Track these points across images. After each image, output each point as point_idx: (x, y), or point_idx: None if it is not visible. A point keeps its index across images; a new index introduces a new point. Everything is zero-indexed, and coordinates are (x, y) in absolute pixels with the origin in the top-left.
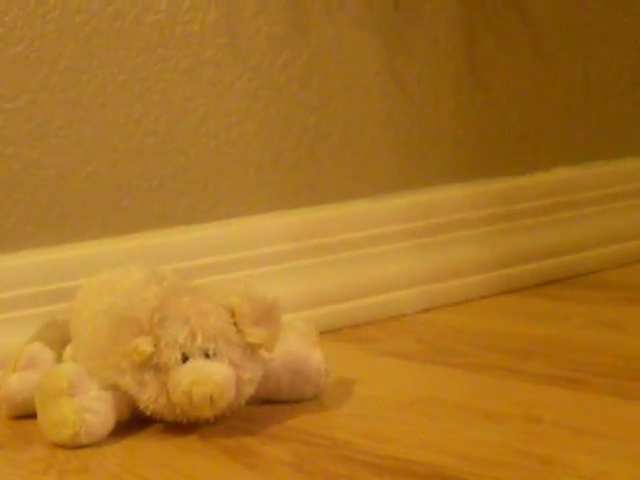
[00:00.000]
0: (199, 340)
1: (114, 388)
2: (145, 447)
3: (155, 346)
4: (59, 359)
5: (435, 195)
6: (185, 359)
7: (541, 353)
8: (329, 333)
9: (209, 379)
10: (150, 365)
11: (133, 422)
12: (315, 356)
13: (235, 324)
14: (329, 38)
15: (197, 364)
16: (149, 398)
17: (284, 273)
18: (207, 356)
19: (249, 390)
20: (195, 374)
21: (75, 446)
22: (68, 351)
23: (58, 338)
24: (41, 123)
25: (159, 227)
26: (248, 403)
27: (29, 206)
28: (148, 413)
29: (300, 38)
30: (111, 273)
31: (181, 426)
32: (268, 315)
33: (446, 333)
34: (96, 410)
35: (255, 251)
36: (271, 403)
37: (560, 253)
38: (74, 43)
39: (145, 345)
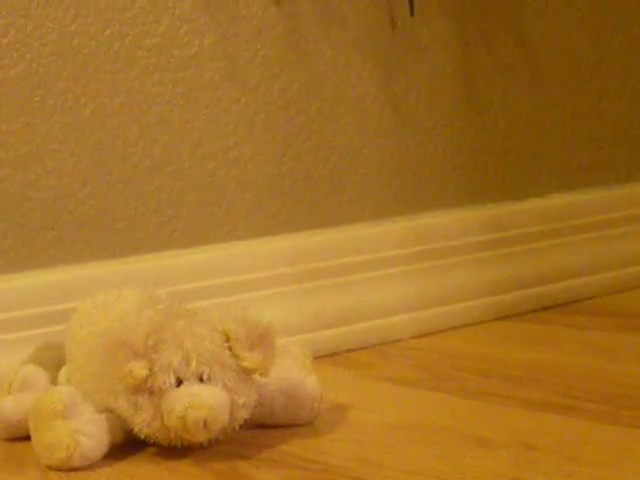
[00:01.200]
0: (193, 364)
1: (108, 411)
2: (138, 471)
3: (149, 370)
4: (54, 381)
5: (431, 220)
6: (179, 383)
7: (535, 379)
8: (325, 358)
9: (203, 403)
10: (144, 389)
11: (127, 445)
12: (310, 381)
13: (230, 348)
14: (327, 62)
15: (191, 388)
16: (143, 422)
17: (280, 297)
18: (201, 380)
19: (243, 414)
20: (189, 398)
21: (69, 469)
22: (63, 373)
23: (53, 360)
24: (37, 145)
25: (155, 250)
26: (242, 427)
27: (24, 228)
28: (142, 436)
29: (298, 62)
30: (106, 296)
31: (175, 450)
32: (263, 340)
33: (441, 359)
34: (90, 433)
35: (251, 275)
36: (265, 428)
37: (555, 279)
38: (71, 65)
39: (139, 369)
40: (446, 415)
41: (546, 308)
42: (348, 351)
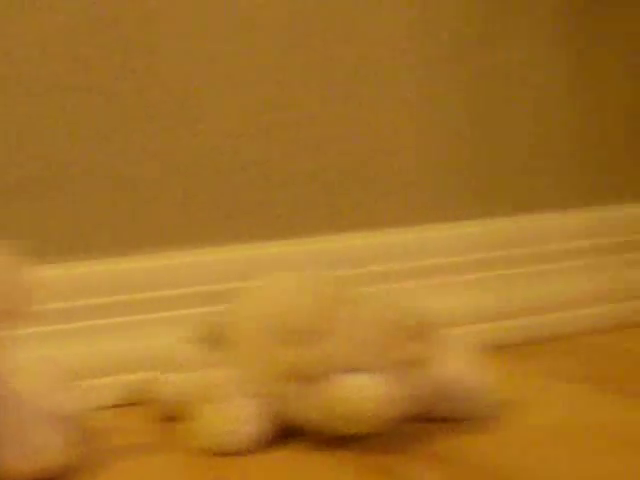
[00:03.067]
0: (356, 353)
1: (266, 397)
2: (294, 460)
3: (313, 357)
4: (216, 362)
5: (614, 213)
6: (341, 372)
7: None
8: (495, 350)
9: (364, 395)
10: (303, 376)
11: (283, 433)
12: (473, 375)
13: (392, 338)
14: (513, 47)
15: (352, 379)
16: (301, 410)
17: (452, 286)
18: (363, 370)
19: (403, 407)
20: (348, 389)
21: (222, 454)
22: (226, 355)
23: (216, 340)
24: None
25: (328, 232)
26: (401, 421)
27: (196, 205)
28: (300, 425)
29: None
30: (274, 278)
31: (333, 441)
32: (426, 331)
33: (616, 358)
34: (245, 419)
35: (426, 261)
36: (424, 421)
37: None
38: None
39: (300, 356)
40: (619, 422)
41: None
42: (518, 345)
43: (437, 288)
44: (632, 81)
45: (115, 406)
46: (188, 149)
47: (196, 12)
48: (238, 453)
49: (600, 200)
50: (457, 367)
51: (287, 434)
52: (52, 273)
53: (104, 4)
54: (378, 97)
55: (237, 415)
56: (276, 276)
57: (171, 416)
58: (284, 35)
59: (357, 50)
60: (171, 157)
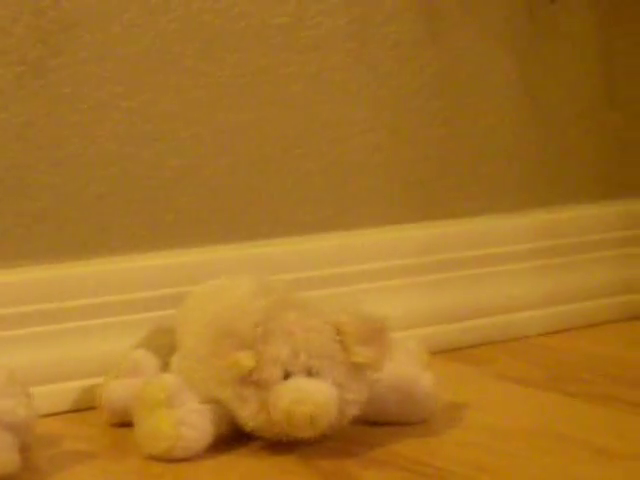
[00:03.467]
0: (302, 357)
1: (214, 402)
2: (241, 465)
3: (257, 361)
4: (165, 367)
5: (566, 214)
6: (287, 376)
7: None
8: (446, 353)
9: (310, 398)
10: (251, 380)
11: (232, 438)
12: (425, 378)
13: (341, 342)
14: (462, 48)
15: (299, 382)
16: (249, 414)
17: (404, 288)
18: (310, 374)
19: (353, 411)
20: (296, 392)
21: (170, 460)
22: (175, 360)
23: (165, 345)
24: (159, 124)
25: (277, 235)
26: (352, 424)
27: (145, 208)
28: (247, 430)
29: (432, 46)
30: (221, 282)
31: (281, 445)
32: (376, 334)
33: (569, 359)
34: (194, 424)
35: (376, 264)
36: (376, 425)
37: None
38: (196, 43)
39: (246, 360)
40: (568, 420)
41: None
42: (471, 347)
43: (388, 291)
44: (583, 82)
45: (66, 412)
46: (136, 152)
47: None
48: (187, 458)
49: (549, 202)
50: (408, 370)
51: (236, 439)
52: (1, 279)
53: None
54: (325, 100)
55: (186, 420)
56: (224, 280)
57: (122, 422)
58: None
59: (303, 57)
60: (119, 162)
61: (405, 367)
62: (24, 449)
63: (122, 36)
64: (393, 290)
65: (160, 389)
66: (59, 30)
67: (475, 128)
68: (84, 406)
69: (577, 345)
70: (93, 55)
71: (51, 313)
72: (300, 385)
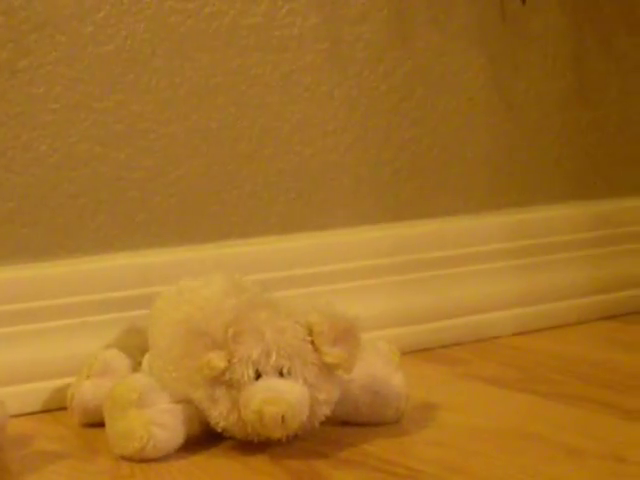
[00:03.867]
0: (273, 358)
1: (186, 402)
2: (213, 465)
3: (228, 361)
4: (137, 367)
5: (536, 215)
6: (258, 376)
7: (636, 386)
8: (418, 353)
9: (281, 398)
10: (222, 381)
11: (203, 438)
12: (396, 378)
13: (312, 343)
14: (433, 49)
15: (270, 382)
16: (220, 414)
17: (376, 288)
18: (281, 374)
19: (324, 411)
20: (267, 393)
21: (141, 460)
22: (147, 359)
23: (137, 345)
24: (130, 124)
25: (249, 236)
26: (324, 424)
27: (114, 209)
28: (219, 430)
29: (403, 47)
30: (192, 282)
31: (251, 445)
32: (347, 334)
33: (540, 359)
34: (165, 424)
35: (347, 265)
36: (348, 426)
37: None
38: (167, 43)
39: (217, 360)
40: (538, 420)
41: None
42: (443, 347)
43: (359, 291)
44: (553, 83)
45: (37, 412)
46: (108, 153)
47: None
48: (158, 458)
49: (519, 203)
50: (380, 370)
51: (207, 439)
52: None
53: None
54: (296, 100)
55: (157, 420)
56: (195, 280)
57: (93, 422)
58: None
59: (274, 57)
60: (91, 162)
61: (376, 367)
62: None
63: (94, 36)
64: (364, 290)
65: (131, 389)
66: (30, 30)
67: (446, 129)
68: (55, 406)
69: (548, 345)
70: (65, 55)
71: (22, 313)
72: (271, 385)
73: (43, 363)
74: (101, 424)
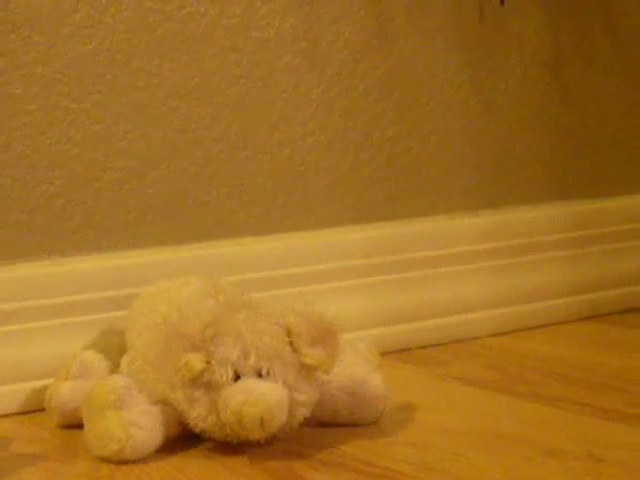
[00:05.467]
0: (252, 359)
1: (164, 403)
2: (192, 466)
3: (207, 363)
4: (115, 368)
5: (516, 215)
6: (237, 377)
7: (615, 387)
8: (397, 354)
9: (260, 399)
10: (201, 382)
11: (182, 439)
12: (375, 379)
13: (291, 344)
14: (411, 49)
15: (249, 383)
16: (199, 416)
17: (354, 289)
18: (260, 375)
19: (303, 412)
20: (246, 394)
21: (120, 461)
22: (125, 361)
23: (115, 346)
24: (107, 125)
25: (226, 237)
26: (303, 426)
27: (91, 210)
28: (197, 431)
29: (381, 47)
30: (170, 283)
31: (230, 446)
32: (326, 335)
33: (519, 360)
34: (143, 425)
35: (325, 265)
36: (327, 427)
37: None
38: (145, 44)
39: (196, 361)
40: (517, 421)
41: (633, 310)
42: (421, 347)
43: (337, 292)
44: (532, 84)
45: (15, 414)
46: (85, 154)
47: None
48: (137, 460)
49: (499, 203)
50: (359, 371)
51: (186, 440)
52: None
53: None
54: (274, 100)
55: (135, 421)
56: (173, 281)
57: (72, 423)
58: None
59: (252, 57)
60: (68, 163)
61: (355, 368)
62: None
63: (71, 37)
64: (343, 291)
65: (110, 390)
66: (8, 31)
67: (424, 129)
68: (33, 408)
69: (527, 346)
70: (42, 56)
71: (1, 315)
72: (250, 386)
73: (21, 365)
74: (80, 426)
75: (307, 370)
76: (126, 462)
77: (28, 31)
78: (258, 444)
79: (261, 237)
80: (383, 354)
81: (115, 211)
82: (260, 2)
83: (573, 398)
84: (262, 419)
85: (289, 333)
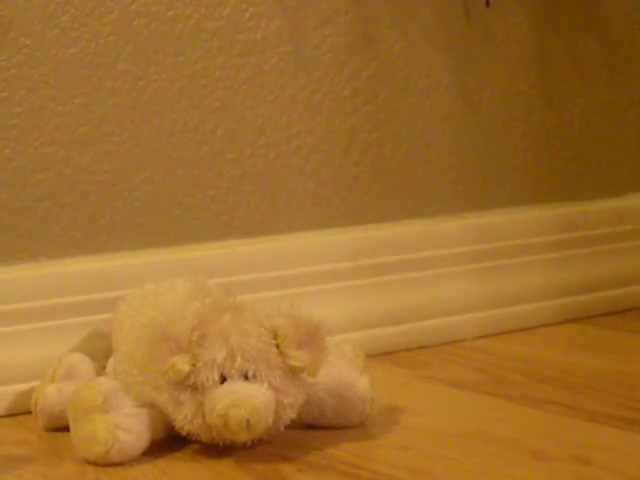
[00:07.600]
0: (238, 361)
1: (150, 406)
2: (178, 469)
3: (193, 365)
4: (101, 371)
5: (499, 218)
6: (223, 380)
7: (600, 389)
8: (382, 356)
9: (246, 402)
10: (187, 384)
11: (168, 442)
12: (361, 382)
13: (277, 346)
14: (397, 51)
15: (235, 386)
16: (185, 418)
17: (339, 292)
18: (246, 378)
19: (289, 415)
20: (232, 396)
21: (106, 464)
22: (110, 363)
23: (102, 349)
24: (94, 128)
25: (212, 239)
26: (289, 428)
27: (78, 212)
28: (184, 434)
29: (367, 50)
30: (156, 285)
31: (217, 449)
32: (312, 338)
33: (503, 362)
34: (130, 428)
35: (310, 268)
36: (313, 429)
37: (628, 283)
38: (131, 46)
39: (182, 364)
40: (503, 423)
41: (618, 312)
42: (407, 350)
43: (322, 295)
44: (518, 85)
45: (1, 417)
46: (71, 156)
47: None
48: (123, 463)
49: (484, 205)
50: (345, 374)
51: (172, 443)
52: None
53: None
54: (259, 103)
55: (121, 424)
56: (159, 284)
57: (58, 426)
58: None
59: (238, 60)
60: (54, 166)
61: (341, 371)
62: None
63: (58, 39)
64: (328, 294)
65: (96, 393)
66: None
67: (410, 131)
68: (20, 411)
69: (512, 348)
70: (28, 58)
71: None
72: (236, 389)
73: (7, 367)
74: (66, 428)
75: (293, 372)
76: (112, 465)
77: (14, 33)
78: (244, 446)
79: (247, 240)
80: (369, 357)
81: (101, 214)
82: (246, 5)
83: (559, 400)
84: (248, 422)
85: (275, 335)
